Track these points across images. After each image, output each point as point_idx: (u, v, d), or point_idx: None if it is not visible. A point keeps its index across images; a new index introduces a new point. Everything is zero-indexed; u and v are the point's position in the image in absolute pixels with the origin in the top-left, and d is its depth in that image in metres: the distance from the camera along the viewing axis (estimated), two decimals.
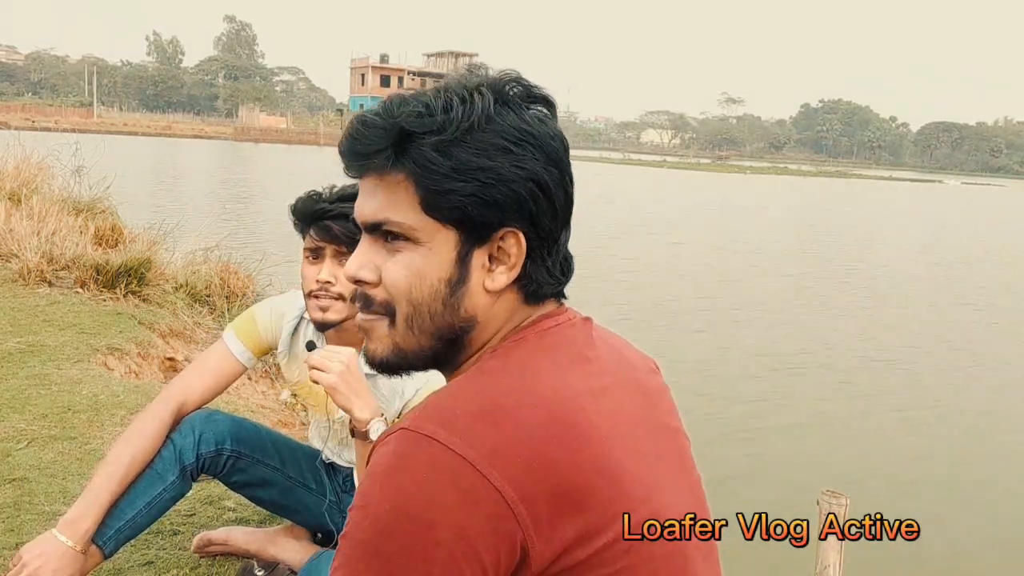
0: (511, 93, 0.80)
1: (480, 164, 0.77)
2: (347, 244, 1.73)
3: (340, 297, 1.75)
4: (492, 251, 0.80)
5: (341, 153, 0.82)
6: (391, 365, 0.85)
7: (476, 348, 0.83)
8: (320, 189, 1.79)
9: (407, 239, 0.79)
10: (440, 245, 0.79)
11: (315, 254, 1.77)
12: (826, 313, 11.99)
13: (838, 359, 9.34)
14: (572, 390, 0.77)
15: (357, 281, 0.83)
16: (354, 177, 0.84)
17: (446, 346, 0.82)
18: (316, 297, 1.76)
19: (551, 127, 0.81)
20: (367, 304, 0.83)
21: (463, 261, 0.80)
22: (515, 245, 0.80)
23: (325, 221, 1.73)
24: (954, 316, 12.42)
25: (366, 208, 0.81)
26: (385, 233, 0.80)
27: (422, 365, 0.84)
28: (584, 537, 0.71)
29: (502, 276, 0.81)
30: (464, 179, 0.77)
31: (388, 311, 0.82)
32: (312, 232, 1.75)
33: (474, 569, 0.69)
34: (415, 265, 0.79)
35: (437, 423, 0.71)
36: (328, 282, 1.74)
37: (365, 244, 0.83)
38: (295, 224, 1.80)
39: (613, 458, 0.75)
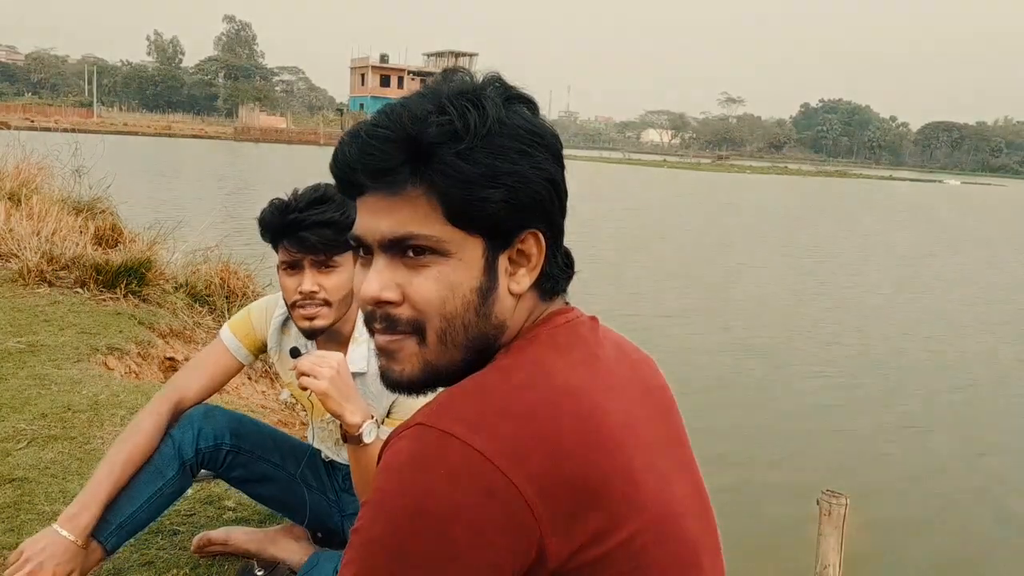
0: (505, 96, 0.80)
1: (506, 169, 0.76)
2: (324, 252, 1.69)
3: (326, 303, 1.73)
4: (512, 254, 0.80)
5: (348, 170, 0.77)
6: (421, 384, 0.82)
7: (498, 350, 0.82)
8: (284, 196, 1.73)
9: (435, 252, 0.77)
10: (468, 255, 0.77)
11: (292, 266, 1.73)
12: (832, 309, 12.00)
13: (838, 355, 9.34)
14: (586, 388, 0.77)
15: (379, 302, 0.79)
16: (352, 196, 0.80)
17: (477, 356, 0.81)
18: (301, 307, 1.74)
19: (548, 125, 0.82)
20: (392, 325, 0.79)
21: (491, 268, 0.79)
22: (535, 245, 0.81)
23: (300, 232, 1.68)
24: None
25: (382, 225, 0.77)
26: (407, 248, 0.77)
27: (453, 380, 0.81)
28: (600, 534, 0.71)
29: (525, 278, 0.81)
30: (494, 185, 0.75)
31: (416, 329, 0.79)
32: (287, 244, 1.70)
33: (490, 566, 0.68)
34: (447, 278, 0.77)
35: (455, 419, 0.71)
36: (313, 291, 1.71)
37: (381, 263, 0.79)
38: (265, 236, 1.74)
39: (627, 456, 0.75)
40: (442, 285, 0.77)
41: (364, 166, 0.76)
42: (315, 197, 1.71)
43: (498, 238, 0.78)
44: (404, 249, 0.77)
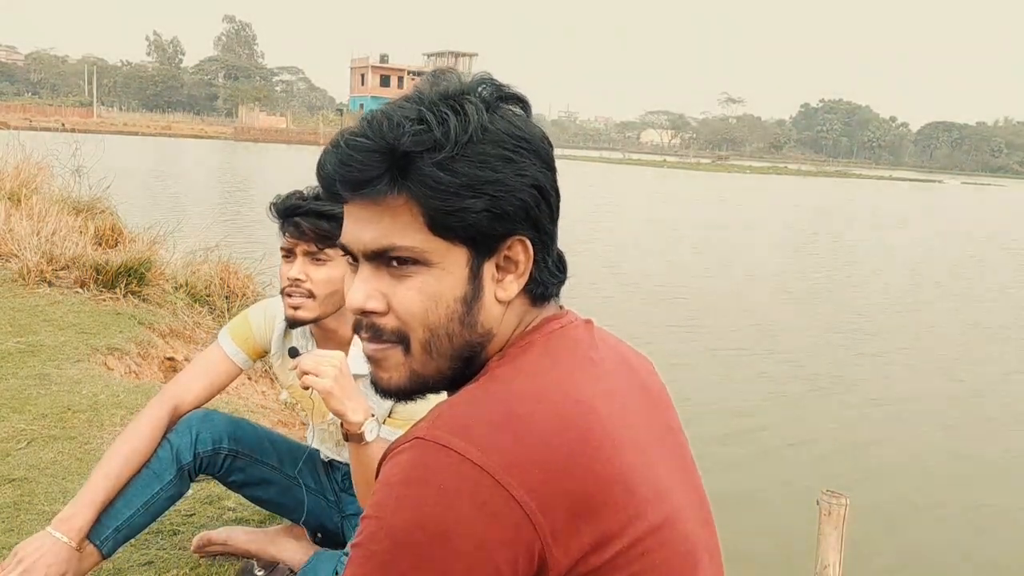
0: (493, 97, 0.79)
1: (487, 177, 0.75)
2: (317, 242, 1.74)
3: (310, 295, 1.76)
4: (499, 261, 0.79)
5: (329, 180, 0.77)
6: (408, 392, 0.82)
7: (488, 359, 0.82)
8: (304, 188, 1.79)
9: (418, 262, 0.76)
10: (452, 264, 0.77)
11: (288, 253, 1.78)
12: (828, 308, 12.00)
13: (839, 356, 9.34)
14: (583, 394, 0.77)
15: (364, 312, 0.79)
16: (339, 204, 0.80)
17: (464, 365, 0.81)
18: (289, 295, 1.77)
19: (537, 128, 0.80)
20: (377, 334, 0.80)
21: (475, 276, 0.78)
22: (522, 252, 0.80)
23: (296, 218, 1.74)
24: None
25: (365, 236, 0.77)
26: (390, 259, 0.77)
27: (441, 388, 0.82)
28: (601, 543, 0.71)
29: (512, 285, 0.81)
30: (475, 195, 0.74)
31: (401, 339, 0.79)
32: (286, 230, 1.77)
33: None
34: (430, 288, 0.77)
35: (453, 432, 0.70)
36: (298, 279, 1.75)
37: (366, 272, 0.79)
38: (277, 222, 1.81)
39: (626, 462, 0.75)
40: (425, 296, 0.77)
41: (343, 177, 0.76)
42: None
43: (482, 246, 0.77)
44: (388, 259, 0.77)
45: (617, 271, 13.91)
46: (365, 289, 0.78)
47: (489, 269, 0.79)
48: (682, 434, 0.92)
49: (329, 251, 1.74)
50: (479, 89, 0.79)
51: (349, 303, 0.80)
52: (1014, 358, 9.99)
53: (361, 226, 0.78)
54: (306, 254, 1.75)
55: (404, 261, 0.77)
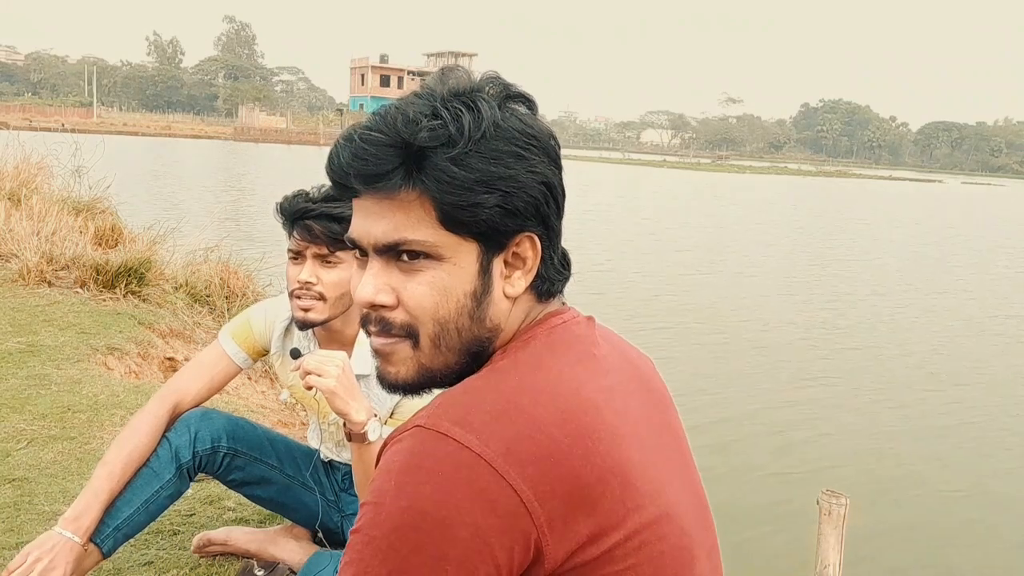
0: (501, 95, 0.79)
1: (500, 173, 0.75)
2: (328, 244, 1.73)
3: (321, 297, 1.76)
4: (508, 257, 0.80)
5: (341, 174, 0.77)
6: (416, 386, 0.83)
7: (494, 353, 0.83)
8: (308, 189, 1.79)
9: (429, 257, 0.77)
10: (463, 259, 0.77)
11: (297, 255, 1.77)
12: (831, 308, 12.01)
13: (839, 356, 9.34)
14: (583, 388, 0.77)
15: (374, 306, 0.79)
16: (348, 198, 0.80)
17: (471, 359, 0.81)
18: (298, 297, 1.77)
19: (545, 126, 0.81)
20: (386, 328, 0.80)
21: (485, 272, 0.79)
22: (531, 248, 0.80)
23: (306, 221, 1.73)
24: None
25: (376, 230, 0.78)
26: (401, 253, 0.77)
27: (448, 382, 0.82)
28: (596, 535, 0.72)
29: (520, 280, 0.81)
30: (488, 190, 0.75)
31: (410, 333, 0.79)
32: (295, 232, 1.76)
33: (488, 567, 0.69)
34: (440, 283, 0.77)
35: (453, 421, 0.71)
36: (309, 282, 1.75)
37: (376, 266, 0.79)
38: (282, 224, 1.80)
39: (624, 456, 0.75)
40: (435, 290, 0.77)
41: (357, 171, 0.76)
42: (332, 193, 1.73)
43: (492, 242, 0.78)
44: (398, 254, 0.78)
45: (613, 270, 13.91)
46: (375, 283, 0.79)
47: (498, 265, 0.80)
48: (682, 433, 0.92)
49: (339, 253, 1.74)
50: (487, 87, 0.79)
51: (358, 297, 0.80)
52: (1015, 358, 9.99)
53: (372, 220, 0.78)
54: (316, 257, 1.75)
55: (415, 255, 0.77)
